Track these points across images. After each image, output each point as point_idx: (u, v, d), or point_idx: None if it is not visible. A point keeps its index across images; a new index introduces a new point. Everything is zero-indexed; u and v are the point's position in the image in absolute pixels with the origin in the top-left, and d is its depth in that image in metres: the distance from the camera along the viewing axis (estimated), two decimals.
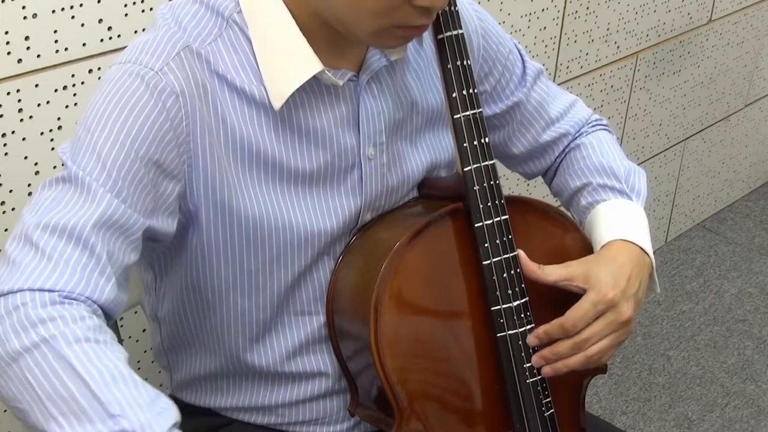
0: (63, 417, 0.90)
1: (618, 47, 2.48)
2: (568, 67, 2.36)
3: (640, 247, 1.23)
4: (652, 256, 1.25)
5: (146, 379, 1.88)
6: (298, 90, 1.09)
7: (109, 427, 0.89)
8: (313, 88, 1.11)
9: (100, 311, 1.00)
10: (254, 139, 1.09)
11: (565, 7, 2.26)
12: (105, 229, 1.01)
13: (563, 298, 1.18)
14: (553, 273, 1.18)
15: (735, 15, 2.85)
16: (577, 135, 1.38)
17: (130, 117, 1.03)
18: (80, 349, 0.93)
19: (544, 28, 2.24)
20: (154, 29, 1.08)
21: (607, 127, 1.41)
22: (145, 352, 1.75)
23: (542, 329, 1.16)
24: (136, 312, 1.68)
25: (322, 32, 1.09)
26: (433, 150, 1.25)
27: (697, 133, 2.98)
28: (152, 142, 1.03)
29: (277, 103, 1.08)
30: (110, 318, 1.03)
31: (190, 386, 1.29)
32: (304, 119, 1.12)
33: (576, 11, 2.30)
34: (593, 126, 1.39)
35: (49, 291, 0.96)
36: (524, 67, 1.33)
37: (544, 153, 1.38)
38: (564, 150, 1.38)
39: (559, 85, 1.42)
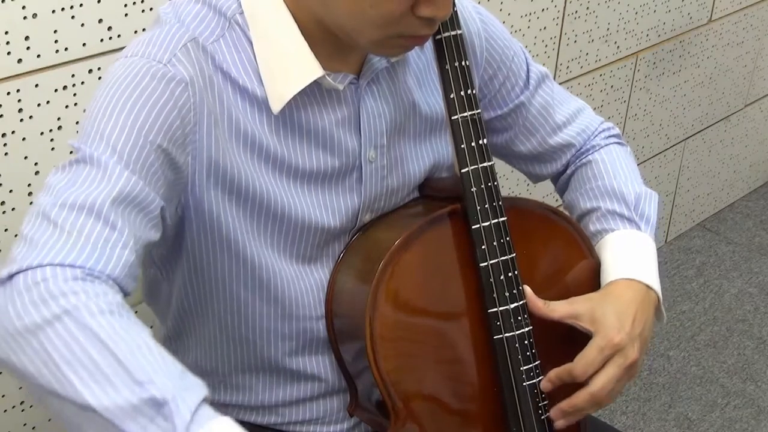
0: (86, 387, 0.87)
1: (618, 47, 2.48)
2: (568, 67, 2.36)
3: (646, 284, 1.23)
4: (658, 290, 1.25)
5: None
6: (298, 93, 1.09)
7: (137, 394, 0.86)
8: (313, 92, 1.11)
9: (119, 289, 0.97)
10: (258, 134, 1.09)
11: (565, 7, 2.26)
12: (124, 205, 0.99)
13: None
14: (558, 309, 1.19)
15: (735, 15, 2.85)
16: (588, 147, 1.36)
17: (137, 104, 1.02)
18: (104, 320, 0.90)
19: (544, 28, 2.24)
20: (158, 26, 1.08)
21: (620, 140, 1.39)
22: None
23: (553, 373, 1.18)
24: (136, 312, 1.67)
25: (324, 37, 1.09)
26: (434, 152, 1.25)
27: (697, 133, 2.98)
28: (160, 130, 1.02)
29: (277, 106, 1.09)
30: (125, 295, 1.00)
31: None
32: (305, 121, 1.12)
33: (576, 11, 2.30)
34: (606, 138, 1.38)
35: (71, 266, 0.93)
36: (528, 70, 1.33)
37: (550, 158, 1.38)
38: (572, 161, 1.37)
39: (558, 85, 1.42)
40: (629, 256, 1.25)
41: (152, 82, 1.03)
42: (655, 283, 1.24)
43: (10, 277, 0.93)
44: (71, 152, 1.04)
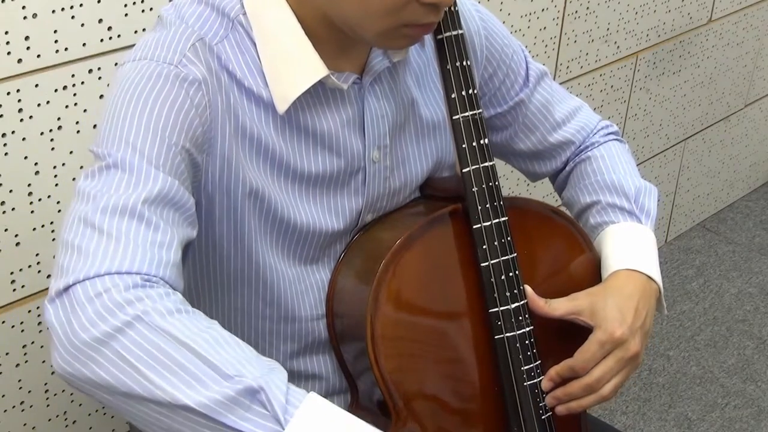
0: (175, 389, 0.87)
1: (618, 47, 2.48)
2: (568, 67, 2.36)
3: (647, 275, 1.23)
4: (659, 281, 1.25)
5: None
6: (303, 93, 1.09)
7: (232, 387, 0.88)
8: (317, 92, 1.11)
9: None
10: (263, 135, 1.09)
11: (565, 7, 2.26)
12: (162, 205, 0.98)
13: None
14: (559, 307, 1.19)
15: (735, 15, 2.85)
16: (587, 145, 1.37)
17: (156, 107, 1.01)
18: (176, 320, 0.90)
19: (544, 28, 2.24)
20: (163, 27, 1.08)
21: (618, 137, 1.40)
22: None
23: (553, 371, 1.18)
24: None
25: (328, 34, 1.09)
26: (435, 152, 1.25)
27: (697, 133, 2.98)
28: (181, 131, 1.01)
29: (282, 107, 1.08)
30: None
31: None
32: (311, 122, 1.12)
33: (576, 11, 2.30)
34: (605, 135, 1.38)
35: (127, 273, 0.92)
36: (527, 68, 1.33)
37: (549, 156, 1.38)
38: (571, 158, 1.37)
39: (557, 83, 1.42)
40: (630, 247, 1.26)
41: (166, 84, 1.02)
42: (656, 274, 1.24)
43: (67, 289, 0.92)
44: (97, 159, 1.01)
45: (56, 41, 1.43)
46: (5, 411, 1.58)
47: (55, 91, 1.46)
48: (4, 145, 1.43)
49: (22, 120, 1.44)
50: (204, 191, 1.09)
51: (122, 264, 0.92)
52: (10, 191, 1.47)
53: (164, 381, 0.88)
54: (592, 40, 2.39)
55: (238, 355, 0.90)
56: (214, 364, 0.88)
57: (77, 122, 1.50)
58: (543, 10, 2.21)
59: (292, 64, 1.08)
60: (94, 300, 0.90)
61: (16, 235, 1.50)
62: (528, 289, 1.18)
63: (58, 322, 0.91)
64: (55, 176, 1.51)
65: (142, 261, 0.94)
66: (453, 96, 1.14)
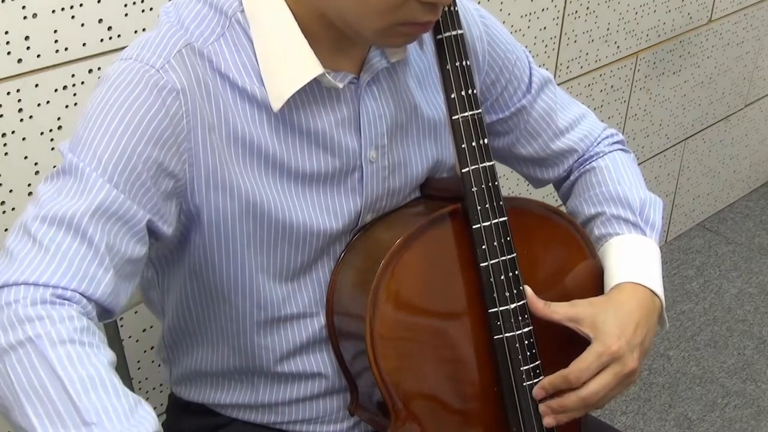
0: (38, 418, 0.90)
1: (618, 47, 2.48)
2: (568, 67, 2.36)
3: (651, 290, 1.22)
4: (662, 297, 1.24)
5: (146, 379, 1.89)
6: (298, 92, 1.09)
7: None
8: (313, 90, 1.11)
9: (94, 307, 0.99)
10: (256, 137, 1.09)
11: (565, 7, 2.26)
12: (105, 220, 1.00)
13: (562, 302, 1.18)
14: (559, 311, 1.18)
15: (735, 15, 2.85)
16: (592, 154, 1.36)
17: (128, 114, 1.02)
18: (64, 350, 0.92)
19: (544, 28, 2.24)
20: (157, 27, 1.08)
21: (624, 146, 1.39)
22: (145, 352, 1.75)
23: (547, 380, 1.17)
24: (136, 312, 1.68)
25: (325, 33, 1.09)
26: (435, 152, 1.25)
27: (697, 133, 2.98)
28: (150, 140, 1.03)
29: (276, 104, 1.08)
30: (111, 313, 1.02)
31: (190, 381, 1.29)
32: (305, 121, 1.12)
33: (576, 11, 2.30)
34: (610, 144, 1.37)
35: (44, 286, 0.95)
36: (531, 75, 1.32)
37: (551, 163, 1.37)
38: (575, 167, 1.37)
39: (558, 85, 1.41)
40: (635, 260, 1.25)
41: (144, 90, 1.03)
42: (660, 290, 1.23)
43: None
44: (62, 158, 1.04)
45: (56, 41, 1.43)
46: None
47: (55, 91, 1.46)
48: (4, 145, 1.43)
49: (22, 120, 1.44)
50: (192, 202, 1.09)
51: (41, 276, 0.96)
52: (10, 191, 1.47)
53: (31, 409, 0.90)
54: (592, 40, 2.39)
55: (108, 403, 0.90)
56: (78, 407, 0.89)
57: (78, 117, 1.49)
58: (543, 10, 2.21)
59: (288, 62, 1.08)
60: (3, 309, 0.94)
61: None
62: (528, 289, 1.17)
63: None
64: None
65: (63, 275, 0.96)
66: (452, 96, 1.14)
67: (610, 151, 1.36)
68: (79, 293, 0.97)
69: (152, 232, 1.07)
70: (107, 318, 1.04)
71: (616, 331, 1.16)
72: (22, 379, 0.91)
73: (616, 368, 1.15)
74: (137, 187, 1.03)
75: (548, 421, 1.18)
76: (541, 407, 1.18)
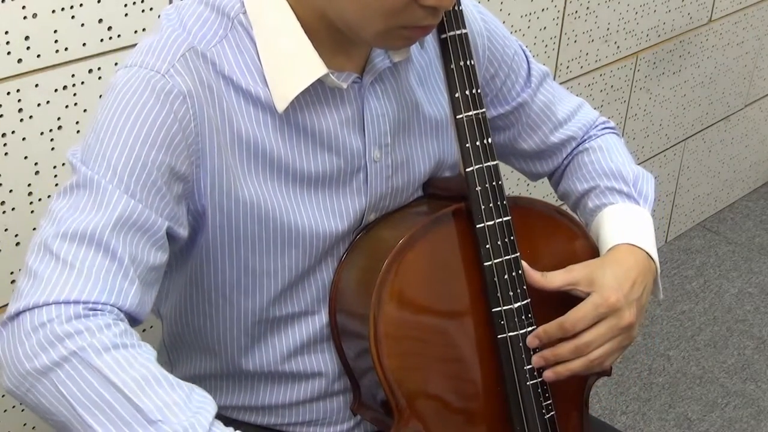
0: (102, 427, 0.91)
1: (618, 47, 2.48)
2: (568, 67, 2.36)
3: (646, 252, 1.23)
4: (657, 261, 1.25)
5: None
6: (302, 93, 1.08)
7: None
8: (317, 91, 1.11)
9: (124, 316, 0.99)
10: (260, 139, 1.09)
11: (565, 7, 2.26)
12: (125, 231, 1.00)
13: (565, 300, 1.18)
14: (556, 279, 1.18)
15: (735, 15, 2.85)
16: (584, 138, 1.37)
17: (138, 122, 1.02)
18: (110, 357, 0.93)
19: (544, 28, 2.24)
20: (159, 31, 1.08)
21: (615, 130, 1.40)
22: None
23: (541, 329, 1.16)
24: None
25: (327, 34, 1.08)
26: (438, 151, 1.25)
27: (697, 133, 2.98)
28: (161, 146, 1.03)
29: (281, 105, 1.08)
30: (137, 321, 1.03)
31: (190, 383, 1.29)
32: (309, 121, 1.11)
33: (576, 11, 2.30)
34: (602, 129, 1.39)
35: (75, 303, 0.95)
36: (529, 68, 1.33)
37: (551, 155, 1.38)
38: (571, 153, 1.38)
39: (558, 85, 1.42)
40: (630, 225, 1.26)
41: (152, 97, 1.03)
42: (655, 255, 1.24)
43: (18, 315, 0.96)
44: (73, 171, 1.04)
45: (56, 41, 1.43)
46: (5, 411, 1.58)
47: (55, 91, 1.46)
48: (4, 145, 1.43)
49: (22, 120, 1.44)
50: (199, 202, 1.09)
51: (71, 293, 0.96)
52: (10, 191, 1.47)
53: (93, 420, 0.92)
54: (592, 40, 2.39)
55: (166, 398, 0.93)
56: (140, 408, 0.91)
57: (77, 122, 1.49)
58: (543, 10, 2.21)
59: (292, 63, 1.08)
60: (38, 330, 0.94)
61: (16, 235, 1.50)
62: (524, 263, 1.17)
63: (6, 348, 0.96)
64: (55, 176, 1.50)
65: (92, 290, 0.97)
66: (456, 95, 1.14)
67: (601, 134, 1.38)
68: (110, 305, 0.98)
69: (171, 237, 1.08)
70: (134, 326, 1.04)
71: (614, 285, 1.16)
72: (75, 393, 0.92)
73: (612, 321, 1.16)
74: (153, 194, 1.03)
75: (547, 375, 1.17)
76: (535, 358, 1.17)
